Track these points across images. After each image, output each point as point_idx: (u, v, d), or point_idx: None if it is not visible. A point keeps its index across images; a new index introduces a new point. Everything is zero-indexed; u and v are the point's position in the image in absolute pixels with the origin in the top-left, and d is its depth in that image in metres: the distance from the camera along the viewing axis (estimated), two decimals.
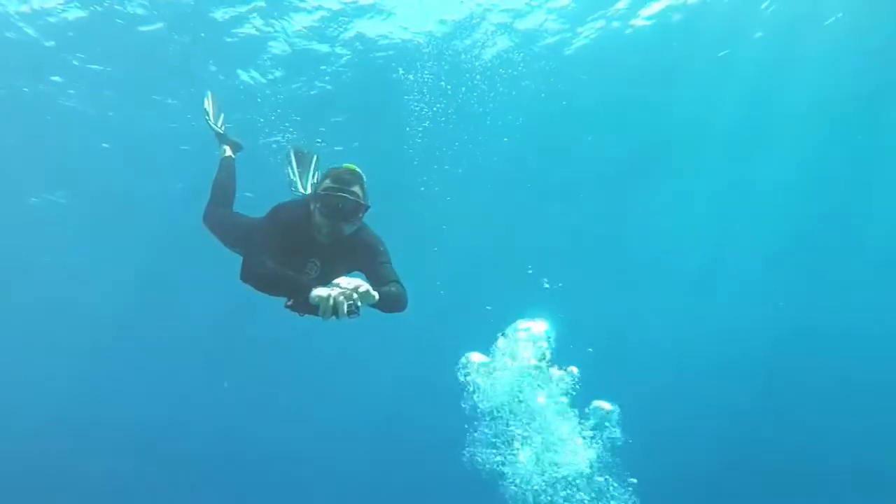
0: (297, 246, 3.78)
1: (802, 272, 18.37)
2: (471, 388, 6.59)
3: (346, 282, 3.14)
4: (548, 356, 6.56)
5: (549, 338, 6.56)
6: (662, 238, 17.07)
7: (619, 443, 6.82)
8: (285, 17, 10.87)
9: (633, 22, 11.33)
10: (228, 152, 5.80)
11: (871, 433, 17.99)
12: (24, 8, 10.41)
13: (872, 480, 17.02)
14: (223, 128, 6.08)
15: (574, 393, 6.66)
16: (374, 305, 3.45)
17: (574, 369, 6.63)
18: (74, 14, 10.59)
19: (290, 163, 5.48)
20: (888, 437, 17.16)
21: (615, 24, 11.36)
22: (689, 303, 19.44)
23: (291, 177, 5.49)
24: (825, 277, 18.52)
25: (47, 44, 11.06)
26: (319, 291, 3.08)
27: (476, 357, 6.66)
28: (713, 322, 19.46)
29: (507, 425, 6.60)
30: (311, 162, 5.57)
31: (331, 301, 3.03)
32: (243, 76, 11.93)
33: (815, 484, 17.91)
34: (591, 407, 6.94)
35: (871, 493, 16.70)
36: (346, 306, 3.04)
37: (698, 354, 20.10)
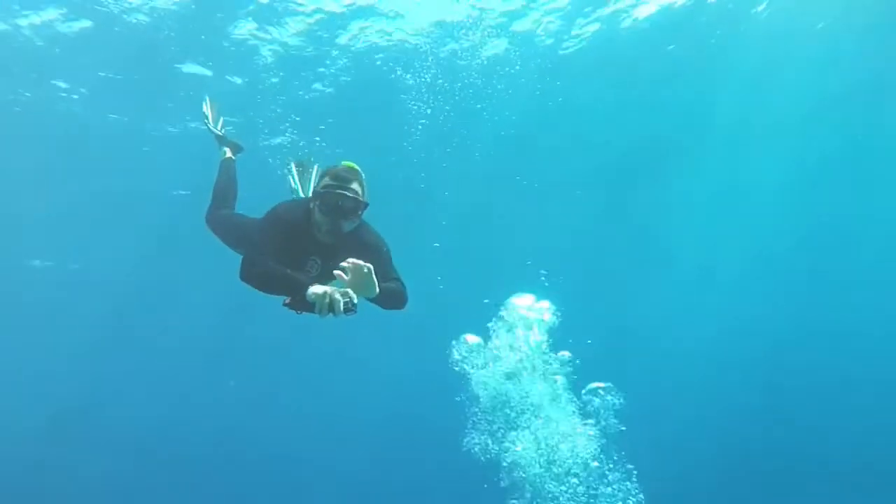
0: (297, 244, 3.77)
1: (803, 271, 18.37)
2: (464, 371, 6.64)
3: (352, 261, 3.21)
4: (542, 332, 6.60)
5: (543, 316, 6.60)
6: (661, 235, 17.11)
7: (615, 423, 6.88)
8: (283, 20, 10.92)
9: (631, 22, 11.36)
10: (228, 154, 5.85)
11: (874, 433, 17.94)
12: (35, 20, 10.54)
13: (874, 480, 16.94)
14: (223, 130, 6.13)
15: (567, 375, 6.72)
16: (373, 300, 3.52)
17: (566, 353, 6.67)
18: (80, 25, 10.68)
19: (291, 173, 5.53)
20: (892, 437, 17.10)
21: (611, 24, 11.39)
22: (689, 300, 19.46)
23: (293, 185, 5.53)
24: (828, 276, 18.52)
25: (53, 51, 11.15)
26: (316, 289, 3.12)
27: (470, 338, 6.71)
28: (714, 320, 19.46)
29: (502, 405, 6.65)
30: (311, 171, 5.61)
31: (327, 299, 3.06)
32: (242, 79, 11.98)
33: (817, 484, 17.86)
34: (587, 388, 6.99)
35: (873, 493, 16.64)
36: (342, 304, 3.06)
37: (697, 352, 20.09)
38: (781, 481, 18.35)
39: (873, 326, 18.72)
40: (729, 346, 20.06)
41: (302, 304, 3.22)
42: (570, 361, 6.70)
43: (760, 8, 11.12)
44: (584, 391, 6.93)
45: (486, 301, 6.89)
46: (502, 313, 6.70)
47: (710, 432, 19.77)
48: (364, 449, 21.52)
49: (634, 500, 6.98)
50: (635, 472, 6.95)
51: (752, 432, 19.52)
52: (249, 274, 3.48)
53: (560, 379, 6.75)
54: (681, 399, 20.04)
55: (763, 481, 18.54)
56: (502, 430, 6.74)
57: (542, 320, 6.67)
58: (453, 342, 6.70)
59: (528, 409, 6.69)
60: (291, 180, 5.51)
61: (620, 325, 18.78)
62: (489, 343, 6.71)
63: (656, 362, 19.60)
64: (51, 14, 10.44)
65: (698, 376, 20.10)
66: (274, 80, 11.98)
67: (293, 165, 5.57)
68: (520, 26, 11.23)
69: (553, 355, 6.68)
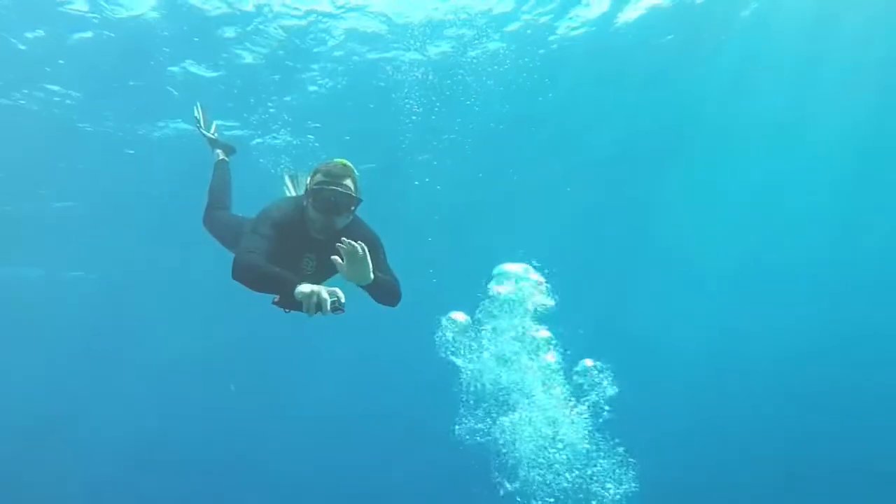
0: (292, 243, 3.80)
1: (800, 270, 18.34)
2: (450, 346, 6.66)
3: (350, 244, 3.29)
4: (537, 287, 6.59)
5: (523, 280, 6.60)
6: (652, 232, 17.16)
7: (604, 402, 6.93)
8: (275, 22, 10.99)
9: (623, 20, 11.44)
10: (222, 156, 5.94)
11: (873, 434, 17.84)
12: (39, 32, 10.68)
13: (872, 481, 16.81)
14: (215, 134, 6.23)
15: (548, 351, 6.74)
16: (368, 289, 3.60)
17: (546, 332, 6.69)
18: (79, 35, 10.79)
19: (286, 186, 5.60)
20: None
21: (603, 23, 11.45)
22: (680, 296, 19.50)
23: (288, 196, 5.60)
24: (825, 275, 18.47)
25: (51, 59, 11.27)
26: (303, 288, 3.08)
27: (457, 316, 6.73)
28: (704, 316, 19.46)
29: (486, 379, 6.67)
30: (305, 183, 5.68)
31: (314, 298, 3.03)
32: (235, 80, 12.03)
33: (815, 485, 17.85)
34: (579, 366, 7.03)
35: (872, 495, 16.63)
36: (329, 303, 3.03)
37: (689, 348, 20.10)
38: (777, 481, 18.36)
39: (871, 326, 18.73)
40: (723, 344, 20.13)
41: (290, 302, 3.20)
42: (551, 341, 6.74)
43: (747, 13, 11.23)
44: (576, 368, 6.98)
45: (478, 294, 6.98)
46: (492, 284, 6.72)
47: (706, 430, 19.86)
48: (363, 446, 21.59)
49: (626, 487, 7.06)
50: (630, 459, 7.04)
51: (747, 430, 19.54)
52: (240, 273, 3.46)
53: (552, 357, 6.78)
54: (672, 394, 20.09)
55: (759, 481, 18.54)
56: (492, 408, 6.78)
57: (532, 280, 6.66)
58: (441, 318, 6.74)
59: (513, 387, 6.73)
60: (286, 191, 5.58)
61: (611, 320, 18.81)
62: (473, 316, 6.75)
63: (646, 359, 19.64)
64: (51, 29, 10.56)
65: (688, 371, 20.15)
66: (266, 81, 12.05)
67: (287, 179, 5.64)
68: (511, 27, 11.33)
69: (536, 328, 6.69)
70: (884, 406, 18.16)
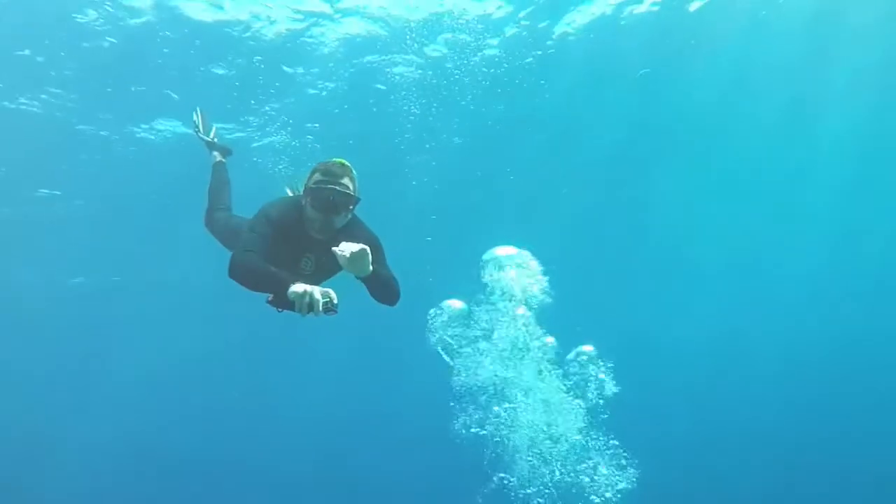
0: (290, 243, 3.80)
1: (799, 267, 18.34)
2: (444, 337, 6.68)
3: (349, 246, 3.32)
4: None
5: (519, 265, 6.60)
6: (646, 231, 17.20)
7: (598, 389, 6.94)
8: (272, 23, 11.05)
9: (620, 20, 11.50)
10: (219, 158, 6.02)
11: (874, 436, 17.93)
12: (46, 39, 10.76)
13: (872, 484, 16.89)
14: (214, 138, 6.30)
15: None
16: (366, 283, 3.61)
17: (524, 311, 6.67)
18: (86, 42, 10.88)
19: (286, 193, 5.65)
20: None
21: (600, 23, 11.52)
22: (685, 299, 19.52)
23: None
24: (821, 272, 18.49)
25: (60, 64, 11.36)
26: (296, 288, 3.07)
27: (453, 303, 6.73)
28: (710, 320, 19.52)
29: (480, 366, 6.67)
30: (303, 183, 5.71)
31: (307, 298, 3.03)
32: (234, 82, 12.09)
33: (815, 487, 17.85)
34: (574, 352, 7.05)
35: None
36: (321, 304, 3.03)
37: (692, 352, 20.12)
38: (777, 481, 18.34)
39: (871, 326, 18.73)
40: (721, 344, 20.13)
41: (283, 301, 3.18)
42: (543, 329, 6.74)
43: (746, 14, 11.31)
44: (570, 355, 7.00)
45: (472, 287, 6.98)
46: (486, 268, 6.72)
47: (704, 430, 19.88)
48: (361, 446, 21.61)
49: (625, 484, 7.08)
50: (623, 453, 7.06)
51: (746, 430, 19.51)
52: (236, 271, 3.47)
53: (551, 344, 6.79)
54: (670, 393, 20.09)
55: (758, 480, 18.53)
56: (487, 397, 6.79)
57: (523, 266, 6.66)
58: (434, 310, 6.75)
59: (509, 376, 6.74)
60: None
61: (610, 320, 18.80)
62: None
63: (644, 359, 19.62)
64: (59, 35, 10.66)
65: (686, 371, 20.13)
66: (265, 84, 12.11)
67: (287, 190, 5.69)
68: (508, 30, 11.41)
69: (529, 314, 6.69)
70: (882, 404, 18.19)
